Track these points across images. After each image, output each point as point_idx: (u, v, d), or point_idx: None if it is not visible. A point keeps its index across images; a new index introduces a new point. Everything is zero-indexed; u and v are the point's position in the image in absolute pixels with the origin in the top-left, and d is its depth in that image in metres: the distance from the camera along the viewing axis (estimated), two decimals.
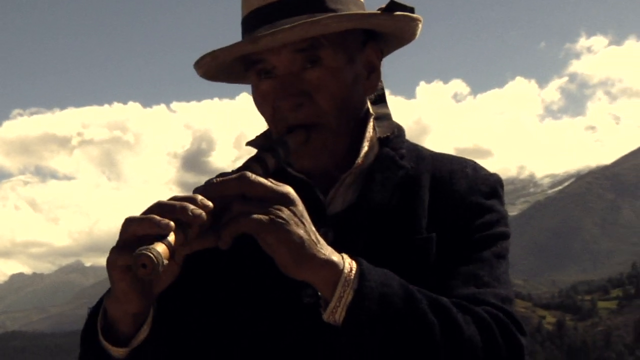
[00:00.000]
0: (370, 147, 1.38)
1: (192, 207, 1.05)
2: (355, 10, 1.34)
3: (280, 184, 1.12)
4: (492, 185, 1.37)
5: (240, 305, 1.34)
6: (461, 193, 1.34)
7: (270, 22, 1.30)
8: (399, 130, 1.44)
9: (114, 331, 1.21)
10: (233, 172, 1.13)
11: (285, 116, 1.32)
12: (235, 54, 1.32)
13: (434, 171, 1.37)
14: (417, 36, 1.42)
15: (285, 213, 1.09)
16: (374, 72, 1.39)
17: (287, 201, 1.11)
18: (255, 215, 1.07)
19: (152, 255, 0.97)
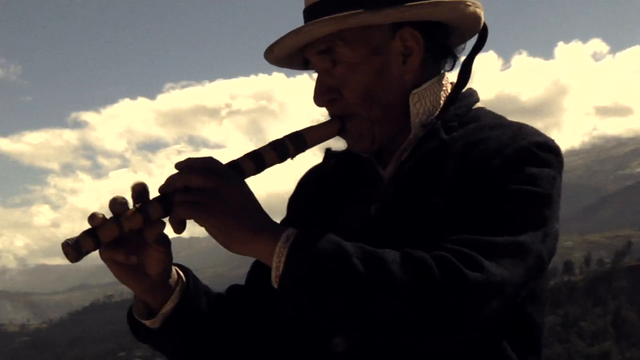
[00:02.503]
0: (420, 124, 1.46)
1: (117, 199, 1.25)
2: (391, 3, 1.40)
3: (220, 173, 1.26)
4: (522, 149, 1.34)
5: (278, 339, 1.49)
6: (485, 157, 1.34)
7: (308, 21, 1.44)
8: (461, 102, 1.49)
9: (149, 307, 1.44)
10: (227, 164, 1.31)
11: (327, 109, 1.48)
12: (273, 59, 1.51)
13: (470, 139, 1.39)
14: (473, 11, 1.46)
15: (216, 199, 1.23)
16: (410, 56, 1.44)
17: (221, 188, 1.24)
18: (187, 205, 1.23)
19: (69, 243, 1.20)
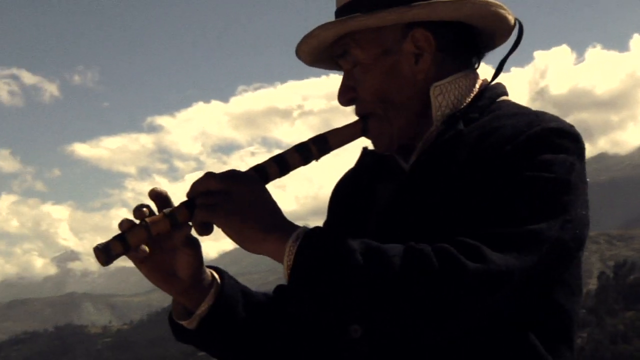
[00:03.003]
0: (442, 116, 1.48)
1: (140, 207, 1.34)
2: (417, 3, 1.44)
3: (237, 176, 1.34)
4: (537, 135, 1.34)
5: (295, 326, 1.55)
6: (498, 145, 1.35)
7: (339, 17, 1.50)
8: (487, 94, 1.51)
9: (185, 307, 1.49)
10: (249, 169, 1.39)
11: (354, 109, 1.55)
12: (304, 59, 1.59)
13: (486, 127, 1.41)
14: (493, 11, 1.49)
15: (233, 201, 1.30)
16: (422, 56, 1.48)
17: (237, 191, 1.32)
18: (206, 208, 1.31)
19: (98, 247, 1.28)
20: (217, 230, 1.30)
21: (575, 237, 1.31)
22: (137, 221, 1.34)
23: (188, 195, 1.35)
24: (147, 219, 1.33)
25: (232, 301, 1.50)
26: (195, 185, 1.34)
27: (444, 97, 1.48)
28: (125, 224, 1.33)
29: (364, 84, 1.48)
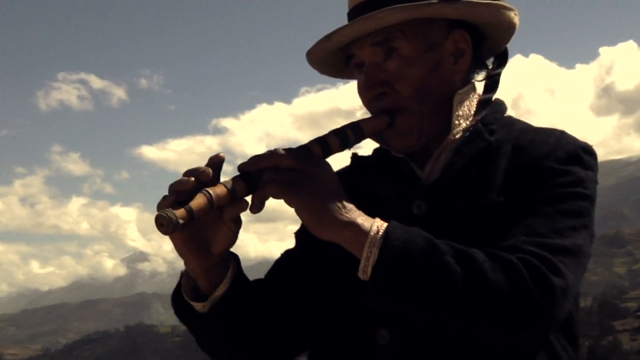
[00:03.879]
0: (461, 124, 1.48)
1: (201, 168, 1.25)
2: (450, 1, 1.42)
3: (310, 157, 1.30)
4: (571, 152, 1.40)
5: (322, 326, 1.48)
6: (537, 159, 1.38)
7: (360, 16, 1.43)
8: (495, 108, 1.53)
9: (197, 289, 1.41)
10: (295, 148, 1.32)
11: (372, 104, 1.47)
12: (319, 51, 1.51)
13: (517, 141, 1.44)
14: (516, 23, 1.52)
15: (308, 180, 1.25)
16: (462, 57, 1.48)
17: (312, 171, 1.27)
18: (279, 183, 1.25)
19: (166, 215, 1.16)
20: None
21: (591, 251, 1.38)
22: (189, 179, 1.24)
23: (243, 168, 1.28)
24: (209, 189, 1.23)
25: (245, 287, 1.44)
26: (258, 160, 1.27)
27: (461, 105, 1.49)
28: (187, 184, 1.23)
29: (406, 77, 1.43)
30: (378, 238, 1.23)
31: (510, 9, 1.49)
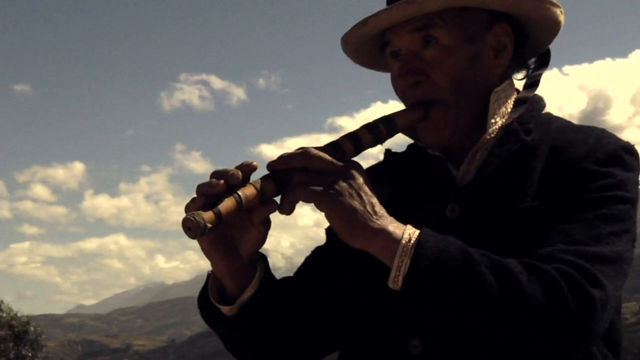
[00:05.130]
0: (497, 123, 1.43)
1: (230, 171, 1.21)
2: None
3: (342, 159, 1.23)
4: (611, 152, 1.34)
5: (354, 331, 1.43)
6: (575, 160, 1.33)
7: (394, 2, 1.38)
8: (533, 105, 1.47)
9: (224, 291, 1.37)
10: (325, 146, 1.26)
11: (406, 94, 1.42)
12: (355, 37, 1.46)
13: (555, 141, 1.38)
14: (562, 22, 1.46)
15: (339, 185, 1.20)
16: (503, 51, 1.43)
17: (344, 174, 1.22)
18: (309, 187, 1.20)
19: (194, 219, 1.12)
20: None
21: (633, 255, 1.32)
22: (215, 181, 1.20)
23: (273, 167, 1.23)
24: (238, 191, 1.19)
25: (274, 290, 1.41)
26: (288, 160, 1.22)
27: (498, 104, 1.44)
28: (217, 187, 1.19)
29: (443, 67, 1.38)
30: (410, 247, 1.19)
31: (557, 6, 1.45)
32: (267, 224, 1.29)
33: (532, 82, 1.51)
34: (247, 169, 1.22)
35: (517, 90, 1.50)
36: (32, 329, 25.71)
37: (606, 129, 1.40)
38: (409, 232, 1.20)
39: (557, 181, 1.31)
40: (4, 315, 25.48)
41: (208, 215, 1.14)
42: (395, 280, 1.18)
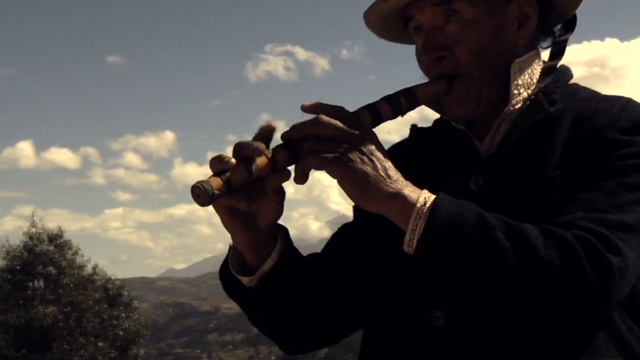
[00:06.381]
0: (521, 94, 1.41)
1: (250, 144, 1.20)
2: None
3: (353, 125, 1.22)
4: (637, 121, 1.31)
5: (377, 304, 1.41)
6: (599, 129, 1.30)
7: None
8: (559, 75, 1.46)
9: (245, 263, 1.38)
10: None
11: (430, 70, 1.41)
12: (376, 12, 1.44)
13: (579, 111, 1.36)
14: None
15: (350, 151, 1.18)
16: (526, 22, 1.41)
17: (356, 141, 1.20)
18: (320, 155, 1.18)
19: (201, 186, 1.12)
20: None
21: None
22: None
23: (286, 136, 1.22)
24: (250, 161, 1.19)
25: (295, 262, 1.40)
26: (300, 128, 1.21)
27: (520, 74, 1.42)
28: (225, 162, 1.19)
29: (466, 41, 1.37)
30: (425, 210, 1.18)
31: None
32: (281, 194, 1.29)
33: (558, 50, 1.49)
34: (266, 130, 1.24)
35: (544, 61, 1.48)
36: (125, 292, 26.58)
37: (632, 99, 1.37)
38: (425, 196, 1.20)
39: (580, 150, 1.30)
40: (99, 278, 26.46)
41: (216, 182, 1.15)
42: (410, 243, 1.18)
